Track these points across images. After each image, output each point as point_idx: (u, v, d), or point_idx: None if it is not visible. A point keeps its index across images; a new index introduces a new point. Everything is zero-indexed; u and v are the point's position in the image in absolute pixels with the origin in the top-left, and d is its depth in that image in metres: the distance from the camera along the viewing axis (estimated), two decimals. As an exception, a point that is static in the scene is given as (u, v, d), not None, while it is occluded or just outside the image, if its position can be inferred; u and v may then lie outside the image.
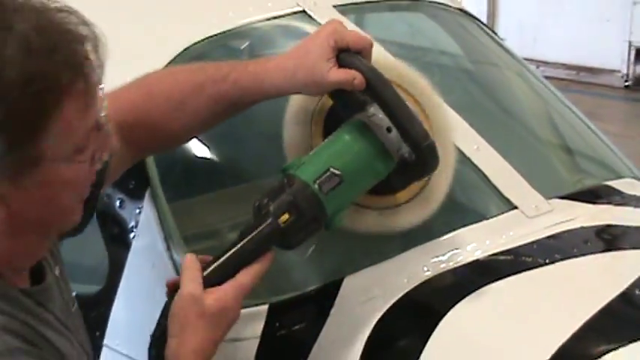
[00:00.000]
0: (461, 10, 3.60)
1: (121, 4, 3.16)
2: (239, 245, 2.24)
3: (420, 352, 2.35)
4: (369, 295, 2.51)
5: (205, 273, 2.19)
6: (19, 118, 1.76)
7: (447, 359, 2.37)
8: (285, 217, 2.23)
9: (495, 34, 3.70)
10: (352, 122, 2.38)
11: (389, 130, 2.33)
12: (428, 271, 2.56)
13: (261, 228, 2.24)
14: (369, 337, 2.42)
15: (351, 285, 2.53)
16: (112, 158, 2.30)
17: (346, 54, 2.34)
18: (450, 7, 3.56)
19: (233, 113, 2.51)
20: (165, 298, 2.32)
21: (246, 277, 2.22)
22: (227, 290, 2.20)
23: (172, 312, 2.19)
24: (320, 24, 3.08)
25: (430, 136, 2.34)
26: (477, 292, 2.49)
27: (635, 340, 2.32)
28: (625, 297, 2.46)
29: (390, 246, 2.63)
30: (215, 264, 2.22)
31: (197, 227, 2.81)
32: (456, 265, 2.59)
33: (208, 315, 2.17)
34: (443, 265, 2.58)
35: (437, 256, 2.61)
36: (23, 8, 1.79)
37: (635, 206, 2.93)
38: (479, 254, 2.62)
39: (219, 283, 2.20)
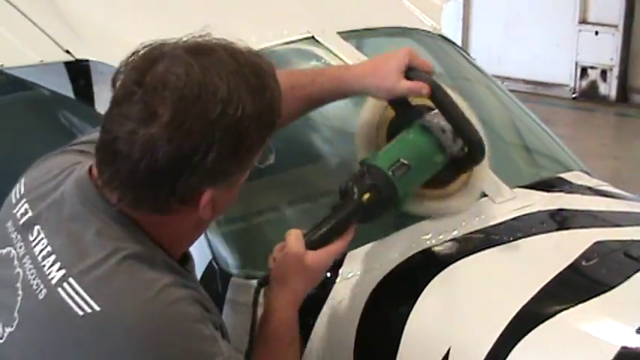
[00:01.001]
0: (441, 35, 3.59)
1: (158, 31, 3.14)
2: (332, 219, 2.29)
3: (409, 313, 2.35)
4: (367, 267, 2.50)
5: (305, 239, 2.23)
6: (253, 149, 1.86)
7: (430, 319, 2.35)
8: (367, 196, 2.30)
9: (468, 54, 3.69)
10: (414, 125, 2.45)
11: (443, 130, 2.42)
12: (415, 247, 2.55)
13: (349, 205, 2.30)
14: (367, 302, 2.41)
15: (352, 259, 2.52)
16: None
17: (416, 70, 2.42)
18: (433, 33, 3.54)
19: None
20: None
21: (337, 246, 2.26)
22: (322, 255, 2.22)
23: (278, 264, 2.20)
24: (326, 47, 3.07)
25: (479, 134, 2.45)
26: (455, 263, 2.48)
27: (581, 302, 2.32)
28: (573, 267, 2.46)
29: (385, 227, 2.62)
30: (313, 233, 2.26)
31: (228, 212, 2.79)
32: (437, 243, 2.57)
33: (306, 272, 2.19)
34: (428, 243, 2.57)
35: (423, 235, 2.59)
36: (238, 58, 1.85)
37: (582, 194, 2.93)
38: (456, 234, 2.60)
39: (315, 249, 2.22)
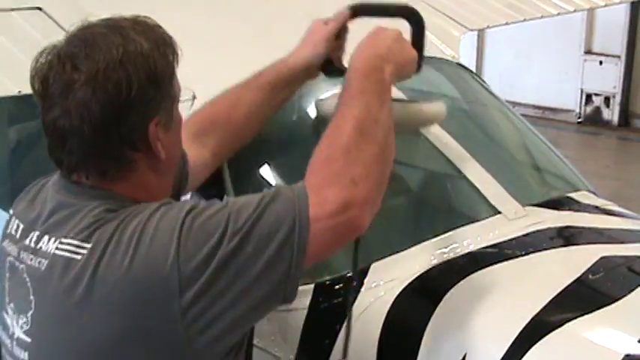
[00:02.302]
0: (459, 64, 3.59)
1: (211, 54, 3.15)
2: None
3: (428, 321, 2.35)
4: (390, 277, 2.50)
5: None
6: (166, 72, 1.86)
7: (447, 326, 2.35)
8: None
9: (484, 82, 3.68)
10: None
11: None
12: (434, 259, 2.55)
13: None
14: (389, 310, 2.41)
15: (377, 270, 2.52)
16: (195, 164, 2.35)
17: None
18: (451, 62, 3.55)
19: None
20: None
21: None
22: None
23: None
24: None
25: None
26: (471, 275, 2.48)
27: (588, 313, 2.31)
28: (580, 280, 2.46)
29: (406, 241, 2.62)
30: None
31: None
32: (455, 256, 2.58)
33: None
34: (445, 256, 2.57)
35: (441, 249, 2.59)
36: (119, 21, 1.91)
37: (589, 212, 2.92)
38: (472, 248, 2.61)
39: None
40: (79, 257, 1.78)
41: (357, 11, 2.49)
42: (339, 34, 2.48)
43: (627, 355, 2.17)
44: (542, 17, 4.33)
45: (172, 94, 1.90)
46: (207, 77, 2.65)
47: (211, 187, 2.71)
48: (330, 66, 2.51)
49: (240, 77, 2.51)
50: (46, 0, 3.06)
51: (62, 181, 1.91)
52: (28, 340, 1.86)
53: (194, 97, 2.29)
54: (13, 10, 2.98)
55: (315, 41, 2.46)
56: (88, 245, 1.78)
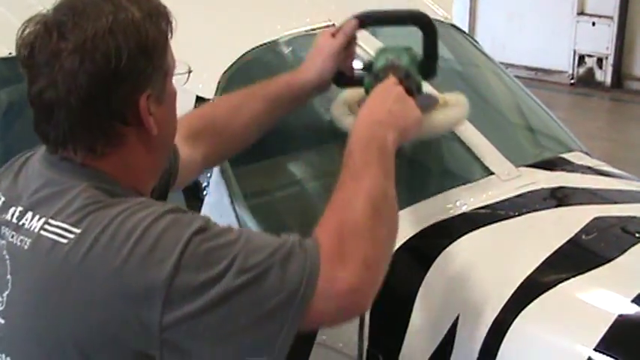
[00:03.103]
0: (452, 25, 3.57)
1: (193, 14, 3.12)
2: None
3: (420, 283, 2.35)
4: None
5: None
6: (158, 42, 1.78)
7: (440, 288, 2.35)
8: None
9: (477, 43, 3.66)
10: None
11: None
12: (427, 221, 2.53)
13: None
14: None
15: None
16: (185, 164, 2.28)
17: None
18: (444, 22, 3.51)
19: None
20: None
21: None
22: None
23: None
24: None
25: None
26: (464, 236, 2.47)
27: (581, 273, 2.31)
28: (574, 241, 2.45)
29: (398, 202, 2.60)
30: None
31: (253, 187, 2.78)
32: (448, 217, 2.56)
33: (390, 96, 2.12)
34: (438, 217, 2.56)
35: (433, 210, 2.58)
36: None
37: (582, 173, 2.91)
38: (465, 208, 2.60)
39: None
40: (65, 241, 1.69)
41: (364, 21, 2.46)
42: (348, 46, 2.46)
43: (620, 315, 2.17)
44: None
45: (165, 67, 1.82)
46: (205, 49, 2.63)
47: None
48: (341, 77, 2.49)
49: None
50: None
51: (49, 157, 1.83)
52: (2, 321, 1.77)
53: (190, 71, 2.25)
54: None
55: (323, 56, 2.44)
56: (78, 230, 1.69)
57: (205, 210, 2.62)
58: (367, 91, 2.29)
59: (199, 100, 2.73)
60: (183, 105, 2.73)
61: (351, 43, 2.47)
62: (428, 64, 2.42)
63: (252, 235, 1.74)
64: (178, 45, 2.76)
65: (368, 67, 2.41)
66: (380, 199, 1.85)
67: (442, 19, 3.53)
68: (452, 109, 2.49)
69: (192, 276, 1.63)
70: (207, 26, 3.03)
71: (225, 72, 2.80)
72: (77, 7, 1.75)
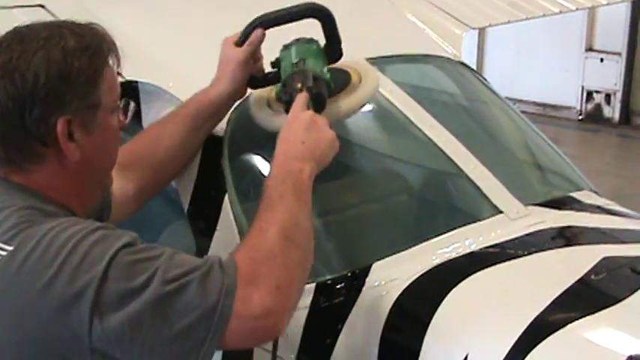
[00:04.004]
0: (461, 62, 3.57)
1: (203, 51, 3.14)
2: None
3: (430, 321, 2.33)
4: (391, 277, 2.48)
5: None
6: (84, 73, 1.88)
7: (449, 326, 2.33)
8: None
9: (486, 80, 3.66)
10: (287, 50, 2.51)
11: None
12: (436, 259, 2.53)
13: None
14: (391, 309, 2.39)
15: (378, 269, 2.51)
16: (117, 197, 2.36)
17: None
18: (453, 60, 3.53)
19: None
20: None
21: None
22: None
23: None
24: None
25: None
26: (473, 275, 2.46)
27: (590, 314, 2.30)
28: (583, 281, 2.44)
29: (408, 240, 2.60)
30: None
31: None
32: (456, 255, 2.56)
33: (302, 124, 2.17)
34: (447, 255, 2.55)
35: (442, 249, 2.57)
36: (63, 22, 1.97)
37: (591, 212, 2.90)
38: (474, 247, 2.59)
39: None
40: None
41: (263, 25, 2.52)
42: (254, 54, 2.52)
43: (630, 357, 2.15)
44: (544, 16, 4.32)
45: (94, 100, 1.91)
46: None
47: (212, 189, 2.70)
48: (253, 79, 2.58)
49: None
50: (49, -3, 3.05)
51: None
52: None
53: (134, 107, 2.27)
54: (15, 7, 2.97)
55: (231, 67, 2.50)
56: (10, 247, 1.79)
57: (215, 247, 2.63)
58: (279, 99, 2.49)
59: (209, 137, 2.73)
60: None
61: (256, 51, 2.54)
62: (332, 49, 2.55)
63: (175, 253, 1.85)
64: (190, 81, 2.79)
65: (276, 64, 2.52)
66: (293, 228, 1.96)
67: (451, 57, 3.54)
68: (362, 88, 2.58)
69: (118, 286, 1.75)
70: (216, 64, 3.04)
71: (235, 109, 2.80)
72: (21, 32, 1.90)
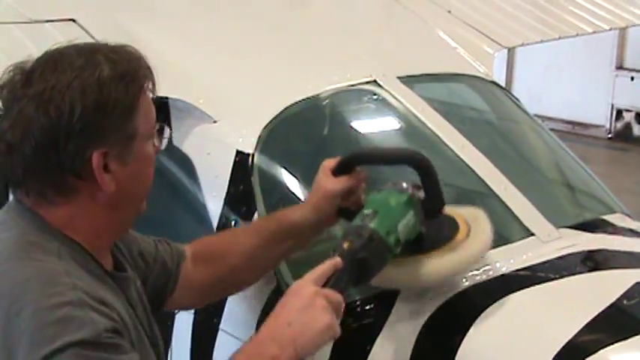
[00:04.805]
0: (492, 81, 3.56)
1: (235, 68, 3.13)
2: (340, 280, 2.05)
3: (459, 344, 2.31)
4: (422, 299, 2.45)
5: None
6: (120, 104, 1.83)
7: (480, 350, 2.31)
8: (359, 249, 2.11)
9: (517, 99, 3.64)
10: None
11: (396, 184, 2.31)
12: (466, 282, 2.50)
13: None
14: (420, 332, 2.37)
15: (408, 291, 2.48)
16: (184, 277, 2.32)
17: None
18: (484, 79, 3.52)
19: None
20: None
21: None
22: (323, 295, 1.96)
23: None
24: (386, 90, 3.06)
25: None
26: (504, 298, 2.43)
27: (622, 339, 2.27)
28: (615, 306, 2.41)
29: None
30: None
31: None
32: (487, 278, 2.53)
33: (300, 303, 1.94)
34: (478, 278, 2.52)
35: (473, 271, 2.53)
36: (96, 45, 1.94)
37: (624, 235, 2.87)
38: (505, 270, 2.56)
39: None
40: None
41: (361, 161, 2.41)
42: (349, 189, 2.39)
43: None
44: (577, 35, 4.29)
45: (131, 129, 1.86)
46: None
47: (242, 205, 2.70)
48: (344, 213, 2.41)
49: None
50: (79, 12, 3.06)
51: (12, 202, 1.92)
52: None
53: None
54: (47, 21, 2.98)
55: (320, 200, 2.39)
56: None
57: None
58: None
59: (239, 154, 2.73)
60: (223, 159, 2.76)
61: (354, 186, 2.40)
62: (430, 204, 2.33)
63: None
64: (220, 98, 2.79)
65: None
66: None
67: (483, 76, 3.53)
68: (467, 248, 2.41)
69: None
70: (248, 80, 3.04)
71: (265, 126, 2.80)
72: (53, 58, 1.85)
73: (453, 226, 2.43)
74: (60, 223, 1.86)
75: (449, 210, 2.42)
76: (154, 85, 1.93)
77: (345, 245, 2.10)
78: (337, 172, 2.37)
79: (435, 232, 2.37)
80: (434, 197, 2.33)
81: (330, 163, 2.39)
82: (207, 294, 2.44)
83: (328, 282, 1.99)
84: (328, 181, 2.38)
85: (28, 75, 1.82)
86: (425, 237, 2.34)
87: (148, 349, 1.94)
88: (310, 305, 1.91)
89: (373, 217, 2.18)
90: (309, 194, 2.45)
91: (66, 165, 1.81)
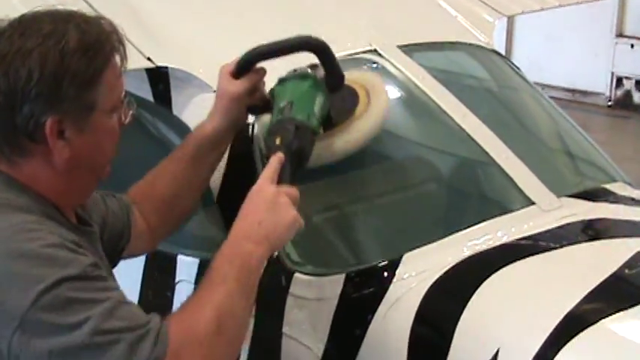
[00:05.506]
0: (493, 50, 3.54)
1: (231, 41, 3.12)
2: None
3: (460, 314, 2.30)
4: (422, 268, 2.44)
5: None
6: (79, 75, 1.85)
7: (480, 320, 2.30)
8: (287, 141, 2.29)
9: (518, 68, 3.62)
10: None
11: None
12: (467, 251, 2.50)
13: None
14: (421, 302, 2.36)
15: (408, 261, 2.47)
16: (135, 229, 2.38)
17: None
18: (484, 47, 3.50)
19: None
20: None
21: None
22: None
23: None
24: (387, 59, 3.04)
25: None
26: (504, 268, 2.42)
27: (624, 309, 2.26)
28: (616, 275, 2.40)
29: (438, 231, 2.57)
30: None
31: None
32: (488, 247, 2.52)
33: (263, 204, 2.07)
34: (478, 247, 2.51)
35: (473, 240, 2.54)
36: (71, 14, 1.93)
37: (625, 204, 2.85)
38: (506, 239, 2.55)
39: None
40: None
41: (258, 57, 2.46)
42: (251, 88, 2.47)
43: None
44: (577, 3, 4.27)
45: (89, 100, 1.89)
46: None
47: (241, 173, 2.69)
48: (254, 110, 2.54)
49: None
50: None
51: None
52: None
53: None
54: None
55: (226, 105, 2.45)
56: None
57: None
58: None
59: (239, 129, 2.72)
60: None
61: (256, 84, 2.49)
62: (333, 80, 2.48)
63: (120, 303, 1.78)
64: (220, 67, 2.77)
65: (271, 96, 2.48)
66: (227, 317, 1.88)
67: (483, 44, 3.51)
68: (364, 121, 2.58)
69: (48, 316, 1.71)
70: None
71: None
72: (24, 23, 1.88)
73: (354, 96, 2.61)
74: (25, 180, 1.91)
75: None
76: (124, 58, 1.95)
77: (278, 141, 2.25)
78: (237, 73, 2.45)
79: (339, 104, 2.53)
80: (334, 73, 2.48)
81: (228, 66, 2.46)
82: (158, 234, 2.50)
83: (279, 178, 2.15)
84: (230, 85, 2.45)
85: None
86: (332, 110, 2.50)
87: None
88: (275, 203, 2.07)
89: (291, 108, 2.35)
90: (215, 101, 2.50)
91: (21, 127, 1.85)
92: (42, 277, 1.71)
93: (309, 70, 2.45)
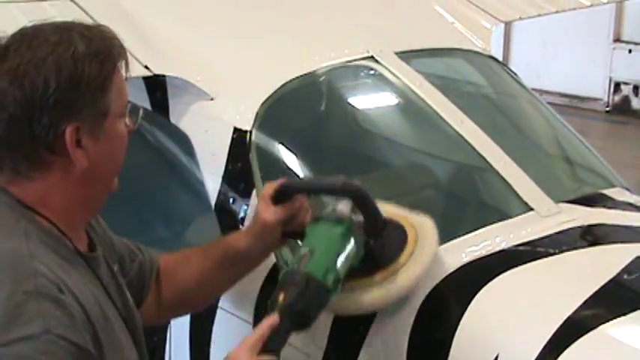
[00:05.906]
0: (490, 56, 3.54)
1: (231, 45, 3.12)
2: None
3: (459, 321, 2.30)
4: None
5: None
6: (94, 80, 1.85)
7: (479, 327, 2.30)
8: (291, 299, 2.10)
9: (515, 74, 3.62)
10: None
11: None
12: (465, 257, 2.49)
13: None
14: (419, 310, 2.36)
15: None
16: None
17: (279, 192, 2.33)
18: (482, 53, 3.50)
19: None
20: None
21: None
22: None
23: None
24: (384, 65, 3.04)
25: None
26: (503, 274, 2.42)
27: (623, 314, 2.26)
28: (615, 280, 2.40)
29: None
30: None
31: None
32: (486, 254, 2.52)
33: None
34: (477, 254, 2.51)
35: (472, 246, 2.54)
36: (71, 24, 1.92)
37: (623, 209, 2.86)
38: (504, 245, 2.55)
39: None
40: None
41: (296, 189, 2.37)
42: (289, 217, 2.35)
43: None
44: (575, 9, 4.27)
45: (104, 106, 1.88)
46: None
47: (241, 182, 2.69)
48: (291, 235, 2.38)
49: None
50: (77, -10, 3.03)
51: None
52: None
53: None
54: (44, 0, 2.95)
55: (262, 230, 2.34)
56: None
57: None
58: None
59: (236, 131, 2.72)
60: (221, 136, 2.75)
61: (295, 210, 2.36)
62: (372, 226, 2.33)
63: None
64: (218, 75, 2.77)
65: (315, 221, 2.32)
66: None
67: (481, 51, 3.51)
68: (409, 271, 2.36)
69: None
70: (246, 57, 3.02)
71: (263, 103, 2.79)
72: (28, 35, 1.86)
73: (399, 240, 2.40)
74: (33, 200, 1.89)
75: (396, 214, 2.45)
76: (127, 64, 1.95)
77: (281, 298, 2.08)
78: (276, 199, 2.33)
79: (380, 248, 2.36)
80: (374, 221, 2.33)
81: (269, 190, 2.35)
82: (163, 309, 2.40)
83: (266, 343, 2.00)
84: (266, 212, 2.33)
85: (4, 50, 1.84)
86: (370, 255, 2.33)
87: (114, 326, 1.94)
88: None
89: (310, 258, 2.16)
90: (251, 221, 2.41)
91: (40, 139, 1.83)
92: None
93: (347, 213, 2.26)
